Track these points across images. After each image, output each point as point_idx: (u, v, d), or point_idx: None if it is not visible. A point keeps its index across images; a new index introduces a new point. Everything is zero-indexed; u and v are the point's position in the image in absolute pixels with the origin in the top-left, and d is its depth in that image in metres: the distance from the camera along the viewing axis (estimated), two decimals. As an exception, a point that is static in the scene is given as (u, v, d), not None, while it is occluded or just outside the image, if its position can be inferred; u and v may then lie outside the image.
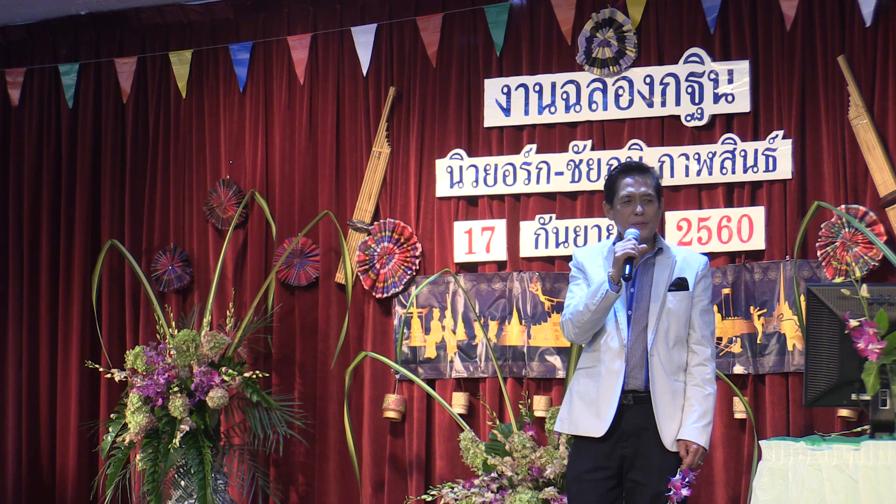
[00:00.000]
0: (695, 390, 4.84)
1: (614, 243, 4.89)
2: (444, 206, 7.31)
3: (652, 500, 4.78)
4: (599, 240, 6.85)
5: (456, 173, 7.27)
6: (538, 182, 7.13)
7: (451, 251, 7.25)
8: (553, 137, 7.16)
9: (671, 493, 4.70)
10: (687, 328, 4.89)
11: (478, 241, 7.19)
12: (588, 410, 4.84)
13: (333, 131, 7.58)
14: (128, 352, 7.19)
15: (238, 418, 7.30)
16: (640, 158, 6.93)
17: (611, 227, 6.93)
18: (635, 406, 4.80)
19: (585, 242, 6.98)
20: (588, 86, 7.09)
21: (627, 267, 4.71)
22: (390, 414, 7.22)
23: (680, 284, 4.83)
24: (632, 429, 4.79)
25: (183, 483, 7.09)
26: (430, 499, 6.64)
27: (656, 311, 4.83)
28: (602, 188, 5.18)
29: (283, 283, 7.57)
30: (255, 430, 7.13)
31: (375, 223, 7.40)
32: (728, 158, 6.81)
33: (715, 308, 6.69)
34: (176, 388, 6.95)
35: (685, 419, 4.81)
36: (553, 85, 7.14)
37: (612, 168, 5.07)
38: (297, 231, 7.54)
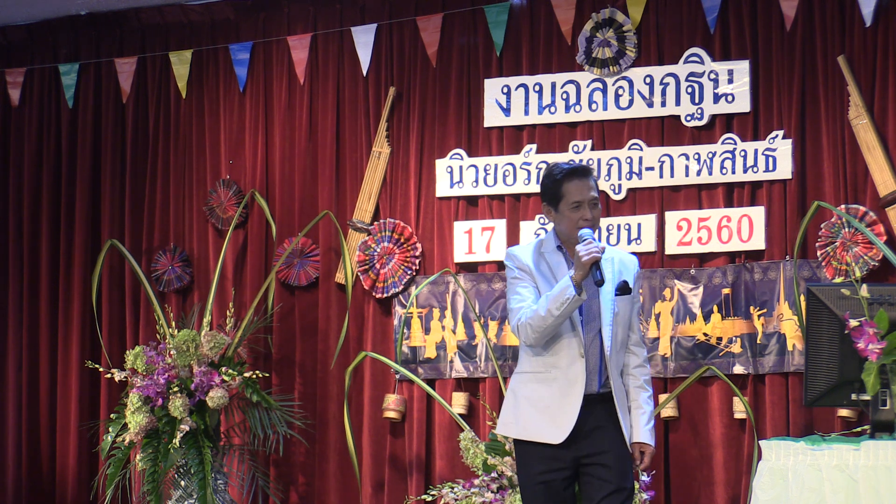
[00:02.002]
0: (639, 392, 4.84)
1: (557, 245, 4.82)
2: (444, 206, 7.32)
3: (613, 492, 4.73)
4: (600, 240, 6.85)
5: (456, 173, 7.27)
6: (538, 182, 7.11)
7: (451, 251, 7.25)
8: (553, 137, 7.16)
9: (644, 497, 4.71)
10: (627, 330, 4.87)
11: (478, 241, 7.19)
12: (541, 416, 4.76)
13: (333, 131, 7.58)
14: (128, 352, 7.19)
15: (238, 418, 7.30)
16: (640, 159, 6.94)
17: (611, 228, 6.94)
18: (592, 407, 4.77)
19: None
20: (588, 86, 7.09)
21: (598, 273, 4.60)
22: (390, 414, 7.23)
23: (623, 289, 4.70)
24: (587, 430, 4.77)
25: (183, 483, 7.09)
26: (430, 499, 6.64)
27: (609, 315, 4.78)
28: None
29: (283, 283, 7.57)
30: (255, 430, 7.13)
31: (375, 223, 7.40)
32: (728, 158, 6.81)
33: (715, 308, 6.71)
34: (176, 388, 6.95)
35: (636, 422, 4.81)
36: (553, 85, 7.14)
37: (552, 169, 4.87)
38: (297, 231, 7.54)
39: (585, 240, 4.66)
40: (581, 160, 7.02)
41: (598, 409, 4.77)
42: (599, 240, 4.93)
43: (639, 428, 4.81)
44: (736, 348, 6.69)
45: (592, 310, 4.78)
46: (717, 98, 6.86)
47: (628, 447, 4.78)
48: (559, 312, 4.65)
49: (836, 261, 6.52)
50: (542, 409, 4.77)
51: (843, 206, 6.54)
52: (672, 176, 6.90)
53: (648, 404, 4.84)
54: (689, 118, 6.91)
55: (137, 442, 7.00)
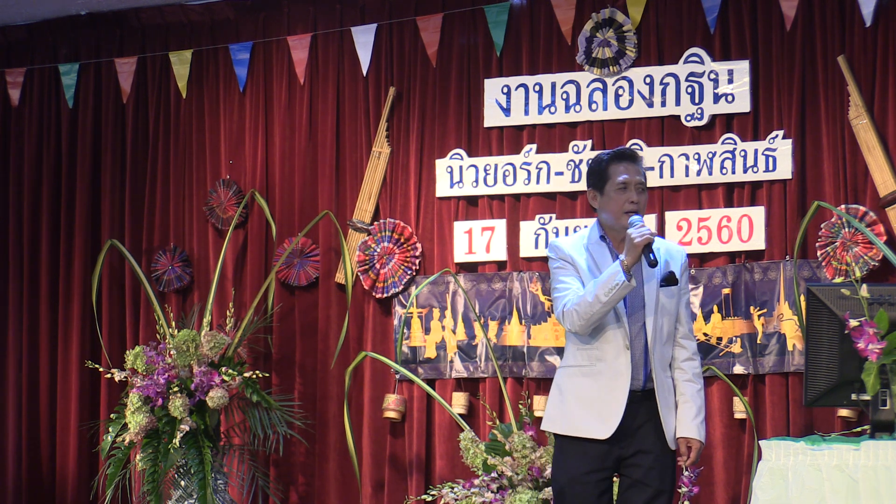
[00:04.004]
0: (688, 386, 4.76)
1: (601, 235, 4.78)
2: (444, 206, 7.32)
3: (653, 497, 4.71)
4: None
5: (456, 173, 7.27)
6: (538, 182, 7.13)
7: (451, 251, 7.25)
8: (553, 137, 7.16)
9: (684, 490, 4.67)
10: (675, 323, 4.82)
11: (478, 241, 7.19)
12: (588, 411, 4.68)
13: (333, 131, 7.58)
14: (128, 352, 7.20)
15: (238, 418, 7.30)
16: (640, 154, 6.93)
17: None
18: (636, 406, 4.71)
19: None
20: (588, 86, 7.09)
21: (651, 255, 4.54)
22: (390, 414, 7.23)
23: (670, 280, 4.64)
24: (632, 428, 4.72)
25: (183, 483, 7.09)
26: (430, 499, 6.64)
27: (652, 307, 4.71)
28: None
29: (283, 283, 7.57)
30: (255, 430, 7.13)
31: (375, 223, 7.40)
32: (728, 158, 6.81)
33: (715, 308, 6.71)
34: (176, 388, 6.95)
35: (684, 416, 4.73)
36: (553, 85, 7.14)
37: (601, 154, 4.87)
38: (297, 231, 7.54)
39: (636, 224, 4.61)
40: (582, 160, 7.02)
41: (643, 406, 4.69)
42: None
43: (686, 422, 4.71)
44: (736, 348, 6.69)
45: (637, 301, 4.71)
46: (717, 98, 6.86)
47: (670, 446, 4.71)
48: (607, 298, 4.58)
49: (836, 261, 6.52)
50: (587, 403, 4.69)
51: (843, 206, 6.54)
52: (672, 176, 6.90)
53: (697, 398, 4.74)
54: (689, 118, 6.91)
55: (137, 442, 7.00)
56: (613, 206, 4.74)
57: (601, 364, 4.71)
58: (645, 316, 4.71)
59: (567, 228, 7.02)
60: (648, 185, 6.89)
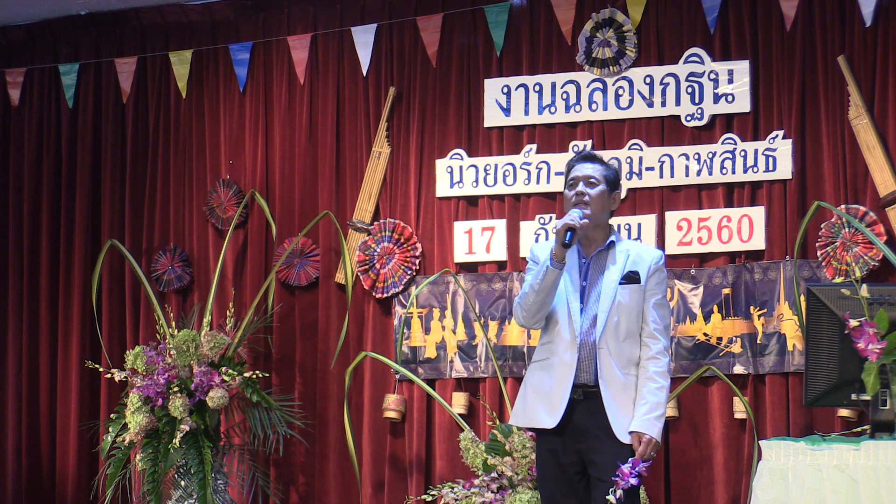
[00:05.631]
0: (646, 383, 4.85)
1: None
2: (444, 206, 7.32)
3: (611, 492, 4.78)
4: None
5: (456, 173, 7.27)
6: (538, 182, 7.13)
7: (451, 251, 7.25)
8: (553, 137, 7.16)
9: (617, 478, 4.68)
10: (639, 322, 4.89)
11: (478, 241, 7.20)
12: (541, 403, 4.87)
13: (333, 131, 7.58)
14: (128, 352, 7.19)
15: (238, 418, 7.31)
16: (641, 159, 6.93)
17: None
18: (585, 401, 4.83)
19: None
20: (588, 86, 7.09)
21: (568, 234, 4.74)
22: (390, 414, 7.23)
23: (631, 278, 4.84)
24: (583, 425, 4.83)
25: (183, 483, 7.09)
26: (430, 499, 6.64)
27: (607, 303, 4.84)
28: None
29: (283, 283, 7.57)
30: (255, 430, 7.13)
31: (375, 223, 7.40)
32: (728, 158, 6.81)
33: (715, 308, 6.71)
34: (176, 388, 6.95)
35: (636, 412, 4.83)
36: (553, 85, 7.14)
37: None
38: (297, 231, 7.54)
39: (569, 214, 4.82)
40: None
41: (590, 403, 4.82)
42: (623, 236, 5.05)
43: (636, 417, 4.81)
44: (736, 348, 6.69)
45: (593, 297, 4.84)
46: (717, 98, 6.86)
47: (620, 440, 4.79)
48: (538, 286, 4.78)
49: (836, 261, 6.52)
50: (541, 395, 4.89)
51: (843, 206, 6.54)
52: (672, 176, 6.90)
53: (653, 395, 4.82)
54: (689, 118, 6.91)
55: (137, 442, 7.00)
56: (567, 202, 4.96)
57: (554, 357, 4.89)
58: (598, 312, 4.79)
59: (567, 228, 7.02)
60: (649, 185, 6.94)
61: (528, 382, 4.97)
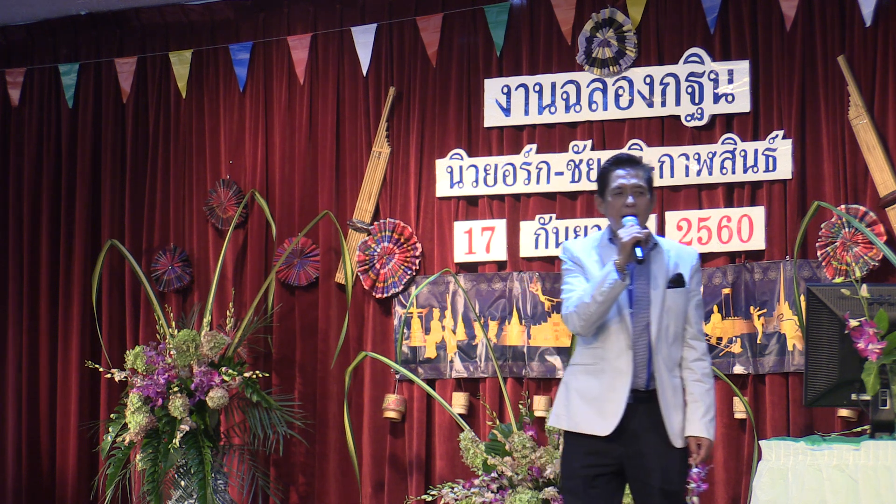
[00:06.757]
0: (697, 385, 4.78)
1: (609, 238, 4.85)
2: (444, 206, 7.32)
3: (662, 498, 4.73)
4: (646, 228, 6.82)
5: (456, 173, 7.27)
6: (538, 182, 7.13)
7: (451, 251, 7.25)
8: (553, 137, 7.16)
9: (692, 486, 4.67)
10: (684, 324, 4.86)
11: (478, 241, 7.20)
12: (589, 408, 4.74)
13: (333, 131, 7.58)
14: (128, 352, 7.20)
15: (238, 418, 7.31)
16: (640, 159, 6.92)
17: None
18: (638, 405, 4.75)
19: (585, 242, 6.98)
20: (588, 86, 7.09)
21: (639, 250, 4.62)
22: (390, 414, 7.23)
23: (678, 281, 4.75)
24: (635, 429, 4.75)
25: (183, 483, 7.09)
26: (430, 499, 6.64)
27: (657, 308, 4.76)
28: None
29: (283, 283, 7.57)
30: (255, 430, 7.13)
31: (375, 223, 7.40)
32: (728, 158, 6.81)
33: (715, 308, 6.71)
34: (176, 388, 6.95)
35: (692, 415, 4.75)
36: (553, 85, 7.15)
37: (605, 161, 5.03)
38: (297, 231, 7.54)
39: (627, 224, 4.70)
40: (581, 160, 7.03)
41: (645, 405, 4.72)
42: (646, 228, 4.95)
43: (694, 420, 4.73)
44: (736, 348, 6.69)
45: (642, 301, 4.76)
46: (717, 98, 6.86)
47: (674, 445, 4.72)
48: (602, 298, 4.65)
49: (836, 261, 6.52)
50: (589, 400, 4.75)
51: (843, 206, 6.54)
52: (672, 176, 6.90)
53: (706, 397, 4.76)
54: (689, 118, 6.91)
55: (137, 442, 7.00)
56: (612, 210, 4.83)
57: (603, 363, 4.76)
58: (650, 316, 4.75)
59: (567, 228, 7.02)
60: (649, 185, 6.93)
61: (572, 386, 4.82)
